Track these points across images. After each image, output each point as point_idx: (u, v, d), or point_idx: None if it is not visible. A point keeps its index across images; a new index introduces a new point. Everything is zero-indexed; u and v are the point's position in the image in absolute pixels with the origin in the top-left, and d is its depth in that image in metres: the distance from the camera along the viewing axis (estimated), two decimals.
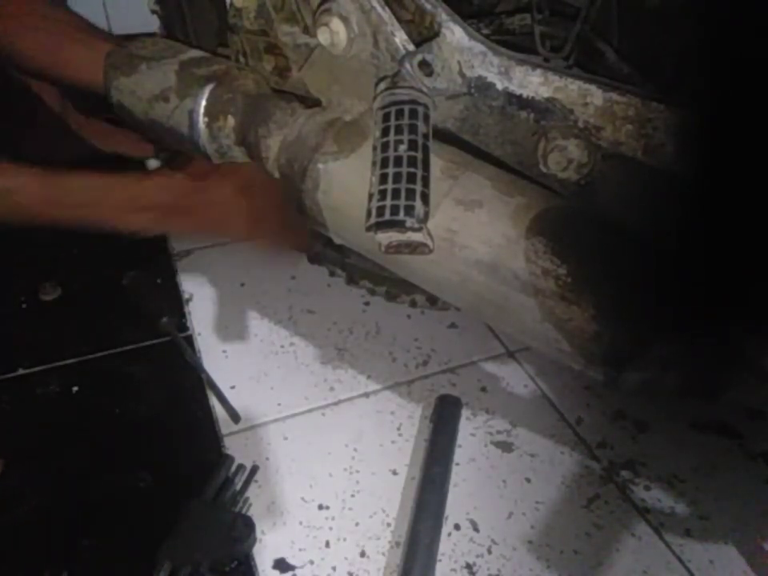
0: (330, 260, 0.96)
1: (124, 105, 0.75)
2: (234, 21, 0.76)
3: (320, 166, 0.65)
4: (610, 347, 0.57)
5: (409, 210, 0.55)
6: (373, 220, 0.56)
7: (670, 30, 0.62)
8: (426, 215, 0.56)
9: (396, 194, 0.56)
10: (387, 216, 0.55)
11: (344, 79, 0.69)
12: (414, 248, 0.58)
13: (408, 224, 0.55)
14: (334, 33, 0.65)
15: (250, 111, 0.69)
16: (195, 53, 0.75)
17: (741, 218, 0.54)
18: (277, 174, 0.69)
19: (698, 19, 0.56)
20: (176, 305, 0.96)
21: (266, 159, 0.69)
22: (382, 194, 0.56)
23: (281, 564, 0.67)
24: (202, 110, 0.69)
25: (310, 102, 0.72)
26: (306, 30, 0.70)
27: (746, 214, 0.53)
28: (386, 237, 0.57)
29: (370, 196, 0.58)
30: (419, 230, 0.56)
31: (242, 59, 0.78)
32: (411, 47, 0.63)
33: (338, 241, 0.71)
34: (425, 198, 0.56)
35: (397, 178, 0.56)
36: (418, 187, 0.56)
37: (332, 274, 0.98)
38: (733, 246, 0.54)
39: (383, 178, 0.57)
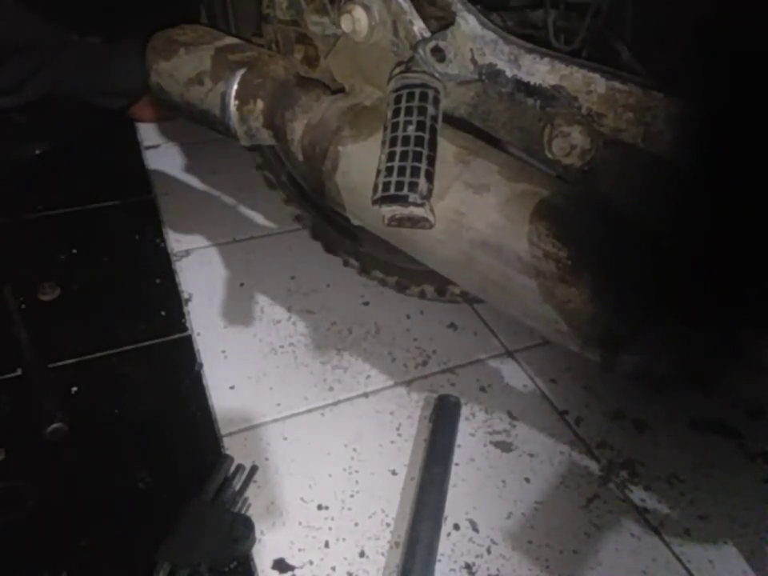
0: (345, 249, 0.98)
1: (162, 87, 0.80)
2: (267, 11, 0.80)
3: (340, 148, 0.68)
4: (606, 329, 0.58)
5: (413, 186, 0.59)
6: (378, 194, 0.60)
7: (674, 35, 0.62)
8: (430, 192, 0.59)
9: (402, 171, 0.59)
10: (392, 191, 0.59)
11: (366, 66, 0.73)
12: (415, 222, 0.61)
13: (411, 199, 0.59)
14: (356, 20, 0.68)
15: (277, 96, 0.72)
16: (231, 40, 0.79)
17: (738, 205, 0.54)
18: (301, 156, 0.73)
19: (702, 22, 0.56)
20: (175, 305, 0.96)
21: (291, 141, 0.72)
22: (389, 170, 0.60)
23: (280, 564, 0.67)
24: (233, 93, 0.73)
25: (335, 89, 0.75)
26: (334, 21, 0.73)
27: (742, 202, 0.54)
28: (389, 210, 0.60)
29: (378, 172, 0.61)
30: (421, 205, 0.59)
31: (274, 48, 0.81)
32: (428, 35, 0.66)
33: (355, 222, 0.73)
34: (429, 176, 0.60)
35: (403, 156, 0.60)
36: (423, 165, 0.59)
37: (346, 263, 0.99)
38: (730, 234, 0.55)
39: (391, 156, 0.60)
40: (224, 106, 0.74)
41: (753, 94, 0.53)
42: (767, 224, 0.53)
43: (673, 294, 0.57)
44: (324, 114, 0.70)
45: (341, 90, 0.75)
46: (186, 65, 0.77)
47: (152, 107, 1.35)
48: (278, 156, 0.98)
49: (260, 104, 0.73)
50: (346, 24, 0.69)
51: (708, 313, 0.56)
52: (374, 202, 0.60)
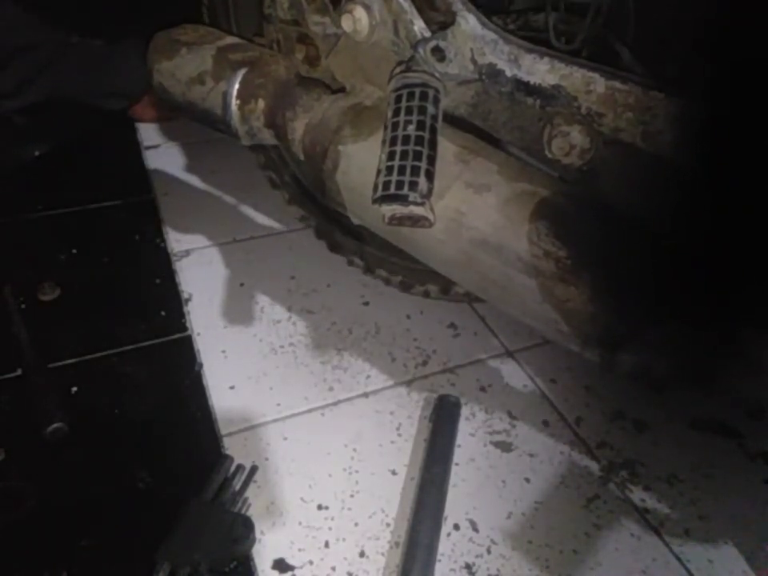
0: (349, 249, 0.98)
1: (164, 86, 0.80)
2: (268, 11, 0.80)
3: (340, 147, 0.69)
4: (605, 329, 0.59)
5: (413, 186, 0.59)
6: (378, 193, 0.60)
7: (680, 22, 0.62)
8: (430, 191, 0.59)
9: (402, 170, 0.60)
10: (392, 190, 0.59)
11: (366, 66, 0.73)
12: (415, 221, 0.62)
13: (411, 198, 0.59)
14: (356, 20, 0.68)
15: (279, 95, 0.73)
16: (232, 39, 0.79)
17: (737, 205, 0.54)
18: (302, 156, 0.73)
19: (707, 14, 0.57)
20: (175, 305, 0.96)
21: (291, 141, 0.73)
22: (389, 169, 0.60)
23: (280, 564, 0.67)
24: (234, 92, 0.73)
25: (336, 88, 0.76)
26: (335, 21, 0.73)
27: (742, 201, 0.54)
28: (389, 209, 0.61)
29: (378, 171, 0.61)
30: (421, 204, 0.59)
31: (275, 48, 0.82)
32: (428, 34, 0.66)
33: (355, 221, 0.74)
34: (429, 175, 0.60)
35: (404, 155, 0.60)
36: (423, 165, 0.60)
37: (350, 263, 1.00)
38: (730, 234, 0.55)
39: (391, 155, 0.61)
40: (225, 105, 0.74)
41: (752, 93, 0.53)
42: (767, 224, 0.53)
43: (672, 293, 0.57)
44: (325, 114, 0.71)
45: (342, 90, 0.76)
46: (187, 64, 0.78)
47: (153, 107, 1.35)
48: (281, 156, 0.98)
49: (261, 103, 0.73)
50: (346, 24, 0.69)
51: (708, 312, 0.56)
52: (374, 201, 0.61)
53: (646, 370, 0.58)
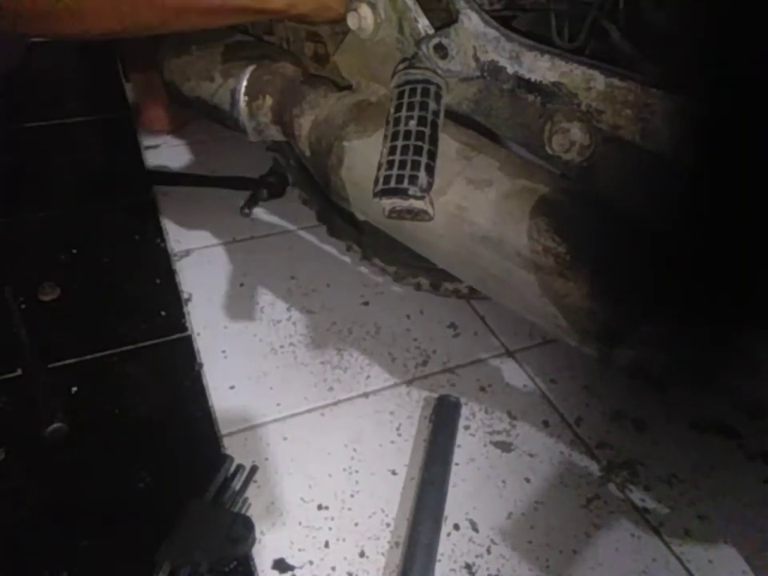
0: (348, 235, 0.99)
1: (175, 83, 0.83)
2: None
3: (345, 143, 0.70)
4: (603, 324, 0.59)
5: (413, 180, 0.60)
6: (379, 187, 0.61)
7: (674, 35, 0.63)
8: (429, 185, 0.60)
9: (402, 164, 0.61)
10: (392, 184, 0.60)
11: (372, 63, 0.74)
12: (415, 214, 0.63)
13: (410, 192, 0.60)
14: (362, 18, 0.69)
15: (286, 92, 0.75)
16: (241, 37, 0.81)
17: (736, 201, 0.55)
18: (308, 152, 0.74)
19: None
20: (175, 305, 0.96)
21: (298, 137, 0.74)
22: (390, 164, 0.61)
23: (280, 564, 0.67)
24: (243, 89, 0.76)
25: (343, 86, 0.77)
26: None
27: (741, 198, 0.54)
28: (389, 203, 0.62)
29: (379, 165, 0.62)
30: (421, 198, 0.60)
31: (285, 46, 0.83)
32: (432, 32, 0.67)
33: (360, 216, 0.75)
34: (429, 170, 0.61)
35: (404, 150, 0.61)
36: (423, 159, 0.61)
37: (349, 248, 1.01)
38: (728, 230, 0.55)
39: (392, 150, 0.62)
40: (234, 102, 0.76)
41: (751, 90, 0.53)
42: (766, 221, 0.53)
43: (671, 289, 0.57)
44: (331, 111, 0.72)
45: (348, 87, 0.77)
46: (197, 61, 0.80)
47: (165, 117, 1.34)
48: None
49: (269, 100, 0.75)
50: (352, 21, 0.70)
51: (706, 309, 0.56)
52: (375, 195, 0.62)
53: (644, 366, 0.59)
